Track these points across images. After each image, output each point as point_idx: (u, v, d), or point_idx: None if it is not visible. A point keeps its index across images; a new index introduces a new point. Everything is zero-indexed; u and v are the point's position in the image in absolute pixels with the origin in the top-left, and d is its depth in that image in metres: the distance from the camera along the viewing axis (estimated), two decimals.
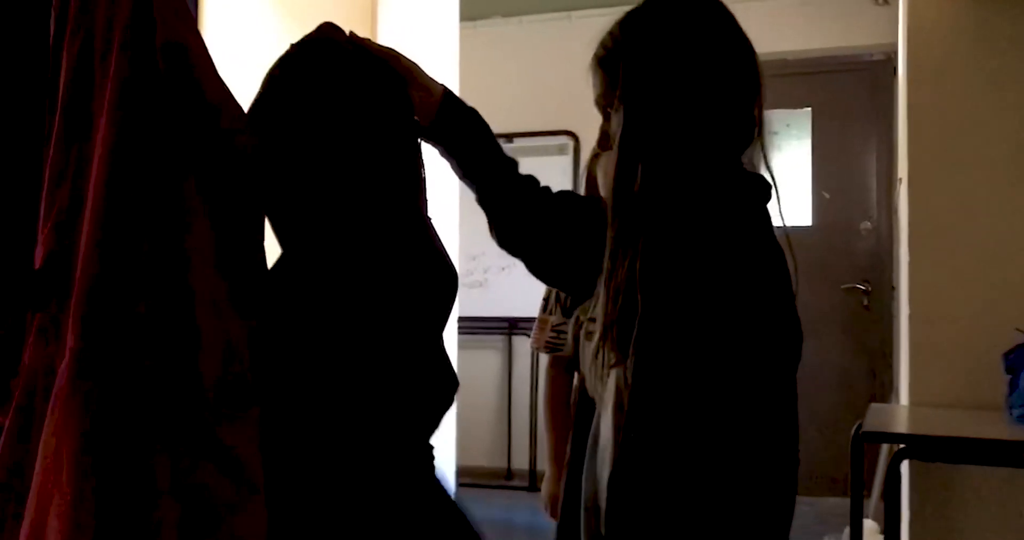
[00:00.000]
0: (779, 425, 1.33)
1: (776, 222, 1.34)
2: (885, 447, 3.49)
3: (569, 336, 2.14)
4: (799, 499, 4.79)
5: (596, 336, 1.35)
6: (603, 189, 1.37)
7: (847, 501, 2.67)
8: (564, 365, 2.18)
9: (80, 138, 1.14)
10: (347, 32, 1.43)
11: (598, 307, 1.35)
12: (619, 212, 1.29)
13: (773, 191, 1.34)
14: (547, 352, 2.20)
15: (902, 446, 2.23)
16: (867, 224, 5.24)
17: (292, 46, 1.43)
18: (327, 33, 1.40)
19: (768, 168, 1.34)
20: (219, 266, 1.17)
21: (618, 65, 1.30)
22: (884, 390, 4.94)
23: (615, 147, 1.30)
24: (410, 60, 1.51)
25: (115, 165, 1.10)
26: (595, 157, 2.23)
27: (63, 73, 1.14)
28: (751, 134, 1.33)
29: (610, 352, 1.30)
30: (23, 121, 1.19)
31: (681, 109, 1.27)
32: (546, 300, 2.22)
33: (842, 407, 4.93)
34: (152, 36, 1.08)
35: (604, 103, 1.34)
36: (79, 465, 1.04)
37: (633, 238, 1.28)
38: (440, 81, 1.59)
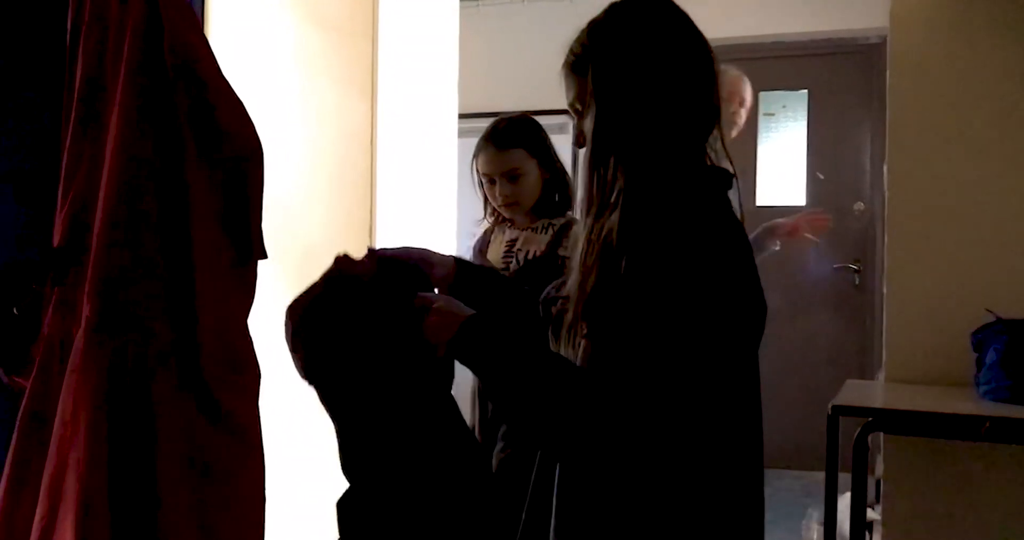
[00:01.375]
0: (738, 400, 1.38)
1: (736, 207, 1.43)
2: None
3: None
4: (787, 473, 4.85)
5: (570, 310, 1.44)
6: (580, 179, 1.45)
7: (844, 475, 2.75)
8: None
9: (94, 128, 1.24)
10: (367, 248, 1.52)
11: (571, 284, 1.44)
12: (592, 200, 1.38)
13: (734, 180, 1.44)
14: None
15: (870, 419, 2.33)
16: (860, 205, 5.31)
17: (316, 285, 1.51)
18: (342, 267, 1.49)
19: (726, 152, 1.44)
20: (222, 243, 1.28)
21: (588, 69, 1.39)
22: (873, 368, 5.04)
23: (589, 142, 1.40)
24: (418, 248, 1.58)
25: (126, 153, 1.21)
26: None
27: (79, 69, 1.24)
28: (713, 122, 1.43)
29: (582, 324, 1.40)
30: (43, 112, 1.30)
31: (649, 105, 1.37)
32: None
33: (831, 384, 4.99)
34: (161, 37, 1.19)
35: (578, 105, 1.43)
36: (93, 422, 1.15)
37: (606, 223, 1.38)
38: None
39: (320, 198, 2.93)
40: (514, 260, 2.24)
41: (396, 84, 3.56)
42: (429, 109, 3.82)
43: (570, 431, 1.29)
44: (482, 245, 2.38)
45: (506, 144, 2.30)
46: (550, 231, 2.27)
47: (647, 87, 1.37)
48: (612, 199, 1.38)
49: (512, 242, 2.28)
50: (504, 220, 2.37)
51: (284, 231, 2.37)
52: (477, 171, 2.35)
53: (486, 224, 2.46)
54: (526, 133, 2.34)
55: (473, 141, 6.01)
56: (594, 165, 1.39)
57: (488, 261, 2.32)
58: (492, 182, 2.29)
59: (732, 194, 1.44)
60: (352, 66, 3.41)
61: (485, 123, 6.16)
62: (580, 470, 1.38)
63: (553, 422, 1.30)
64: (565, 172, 2.37)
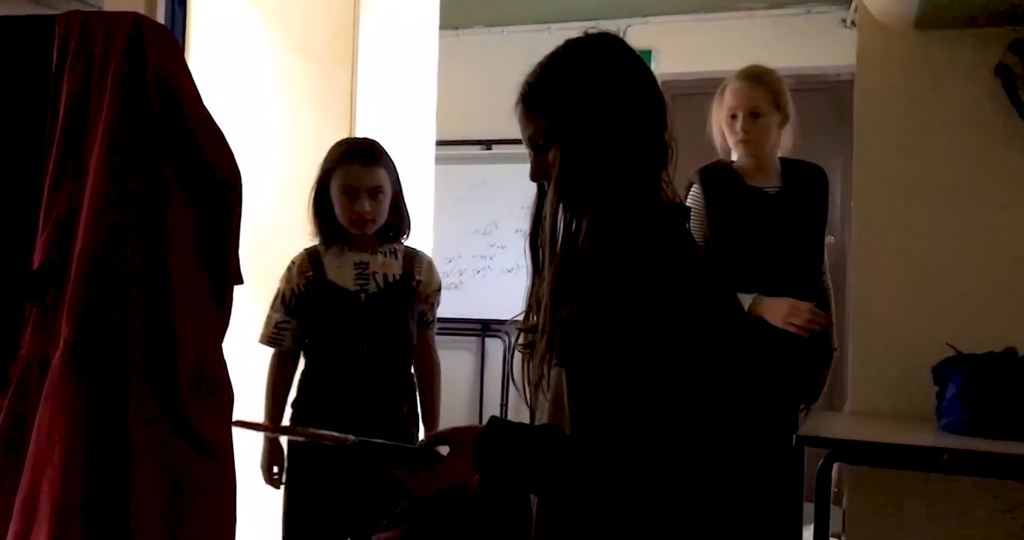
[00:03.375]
0: (716, 423, 1.40)
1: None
2: None
3: (289, 334, 2.31)
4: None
5: (540, 342, 1.47)
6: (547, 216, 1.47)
7: (810, 506, 2.77)
8: (285, 357, 2.36)
9: (77, 151, 1.27)
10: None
11: (540, 316, 1.47)
12: (558, 235, 1.42)
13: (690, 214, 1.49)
14: (267, 344, 2.36)
15: (830, 450, 2.37)
16: (830, 238, 5.37)
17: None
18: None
19: (673, 188, 1.49)
20: (199, 269, 1.31)
21: (549, 106, 1.43)
22: (843, 399, 5.07)
23: (554, 178, 1.43)
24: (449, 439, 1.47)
25: (108, 178, 1.24)
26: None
27: (64, 96, 1.27)
28: (665, 157, 1.48)
29: (551, 354, 1.43)
30: (26, 136, 1.33)
31: (613, 140, 1.41)
32: (275, 299, 2.37)
33: (803, 414, 5.03)
34: (144, 67, 1.22)
35: (540, 140, 1.46)
36: (69, 442, 1.18)
37: (574, 258, 1.42)
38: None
39: (297, 223, 2.95)
40: (371, 282, 2.31)
41: (375, 111, 3.60)
42: (407, 136, 3.86)
43: (576, 490, 1.34)
44: (305, 268, 2.34)
45: (375, 161, 2.34)
46: (399, 256, 2.39)
47: (611, 123, 1.42)
48: (579, 234, 1.42)
49: (363, 264, 2.33)
50: (335, 242, 2.36)
51: (260, 256, 2.39)
52: (329, 183, 2.34)
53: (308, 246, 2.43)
54: (387, 157, 2.40)
55: (451, 168, 6.00)
56: (560, 199, 1.43)
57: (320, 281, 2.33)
58: (352, 196, 2.30)
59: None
60: (331, 93, 3.45)
61: (463, 150, 6.22)
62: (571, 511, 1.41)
63: (565, 489, 1.36)
64: (404, 203, 2.45)
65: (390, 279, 2.34)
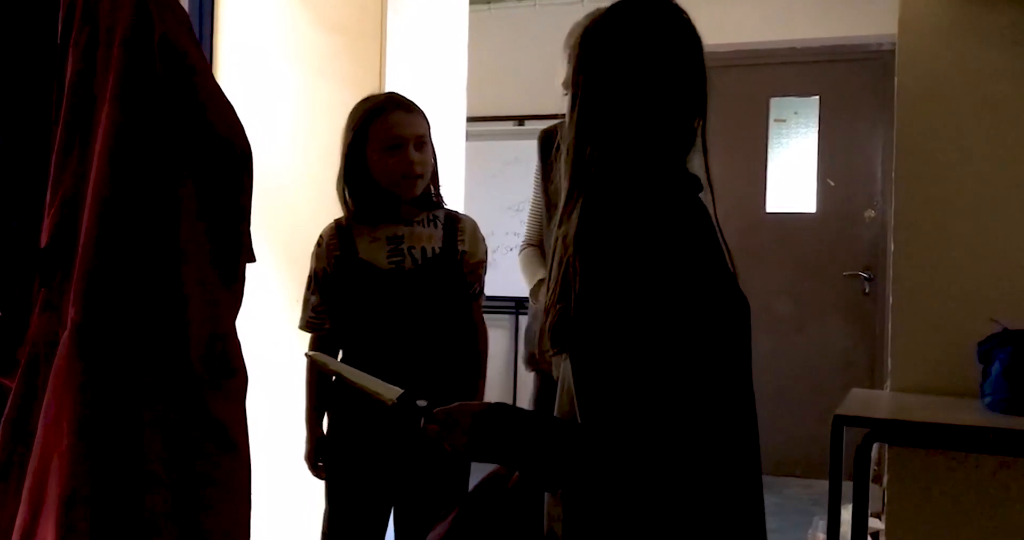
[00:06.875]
0: (725, 401, 1.35)
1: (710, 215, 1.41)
2: None
3: (327, 316, 2.06)
4: (794, 481, 4.80)
5: (545, 328, 1.41)
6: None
7: (849, 485, 2.73)
8: (325, 342, 2.08)
9: (84, 126, 1.24)
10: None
11: (548, 295, 1.41)
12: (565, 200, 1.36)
13: (708, 189, 1.41)
14: (307, 330, 2.10)
15: (869, 430, 2.31)
16: (871, 212, 5.27)
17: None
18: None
19: (708, 178, 1.41)
20: (210, 247, 1.28)
21: (576, 61, 1.37)
22: (884, 375, 5.00)
23: (570, 129, 1.36)
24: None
25: (115, 152, 1.21)
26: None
27: (69, 66, 1.24)
28: (688, 145, 1.40)
29: (547, 339, 1.37)
30: (32, 109, 1.29)
31: (619, 103, 1.34)
32: (310, 280, 2.10)
33: (841, 391, 4.96)
34: (150, 36, 1.18)
35: (564, 89, 1.41)
36: (77, 423, 1.15)
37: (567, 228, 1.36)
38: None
39: (327, 202, 2.93)
40: (407, 257, 2.04)
41: (404, 86, 3.55)
42: (438, 112, 3.81)
43: (585, 484, 1.31)
44: (334, 246, 2.08)
45: (416, 109, 2.10)
46: (437, 224, 2.11)
47: (623, 97, 1.35)
48: (575, 213, 1.34)
49: (397, 238, 2.06)
50: (370, 222, 2.09)
51: (291, 233, 2.36)
52: (364, 146, 2.04)
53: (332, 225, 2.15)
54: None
55: (483, 144, 5.94)
56: (577, 153, 1.36)
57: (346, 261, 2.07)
58: (398, 148, 2.02)
59: (708, 203, 1.41)
60: (360, 68, 3.41)
61: (495, 126, 6.15)
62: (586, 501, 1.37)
63: (568, 480, 1.33)
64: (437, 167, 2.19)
65: (429, 253, 2.05)
